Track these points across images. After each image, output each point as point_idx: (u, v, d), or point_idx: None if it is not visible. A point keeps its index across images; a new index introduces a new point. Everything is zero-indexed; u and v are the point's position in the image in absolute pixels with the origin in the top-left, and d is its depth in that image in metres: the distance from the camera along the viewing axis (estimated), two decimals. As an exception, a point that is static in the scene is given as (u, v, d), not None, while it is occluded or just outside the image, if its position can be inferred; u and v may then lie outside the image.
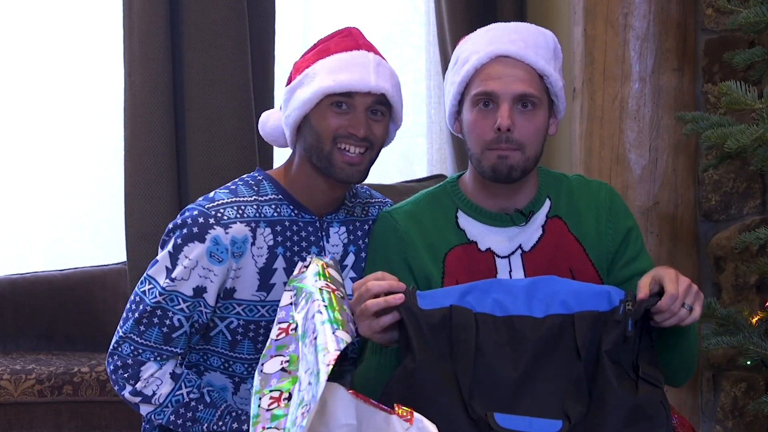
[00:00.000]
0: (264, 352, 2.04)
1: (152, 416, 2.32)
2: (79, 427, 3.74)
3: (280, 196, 2.33)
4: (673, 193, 3.30)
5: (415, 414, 1.92)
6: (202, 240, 2.25)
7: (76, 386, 3.73)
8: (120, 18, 4.22)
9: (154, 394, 2.29)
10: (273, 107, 4.07)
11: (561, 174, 2.37)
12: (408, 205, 2.35)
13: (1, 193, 4.46)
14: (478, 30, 2.30)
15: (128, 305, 2.32)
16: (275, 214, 2.31)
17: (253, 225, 2.28)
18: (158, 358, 2.30)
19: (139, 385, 2.29)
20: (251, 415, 1.96)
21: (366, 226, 2.41)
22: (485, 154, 2.21)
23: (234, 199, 2.30)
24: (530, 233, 2.29)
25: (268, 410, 1.95)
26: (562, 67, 2.31)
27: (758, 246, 3.09)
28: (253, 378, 2.30)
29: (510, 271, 2.27)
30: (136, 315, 2.29)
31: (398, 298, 2.04)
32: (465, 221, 2.30)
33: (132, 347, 2.29)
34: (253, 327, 2.32)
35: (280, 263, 2.30)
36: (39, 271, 4.29)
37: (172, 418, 2.30)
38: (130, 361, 2.29)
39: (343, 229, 2.38)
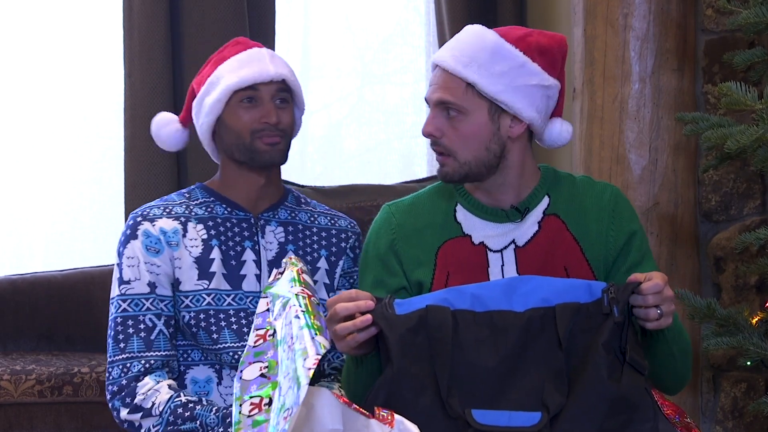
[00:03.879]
0: (242, 359, 2.07)
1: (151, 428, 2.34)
2: (79, 427, 3.74)
3: (212, 198, 2.50)
4: (673, 194, 3.30)
5: (396, 416, 1.93)
6: (135, 237, 2.42)
7: (76, 387, 3.73)
8: (120, 18, 4.22)
9: (153, 405, 2.33)
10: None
11: (567, 174, 2.38)
12: (411, 197, 2.41)
13: (1, 194, 4.46)
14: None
15: (108, 333, 2.41)
16: (206, 213, 2.48)
17: (182, 220, 2.45)
18: (149, 370, 2.35)
19: (137, 400, 2.34)
20: (233, 422, 1.98)
21: (308, 232, 2.52)
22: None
23: (162, 203, 2.49)
24: (525, 229, 2.31)
25: (249, 416, 1.98)
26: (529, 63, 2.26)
27: (758, 246, 3.09)
28: (230, 365, 2.39)
29: (502, 265, 2.29)
30: (112, 333, 2.39)
31: (366, 320, 2.07)
32: (462, 215, 2.34)
33: (120, 367, 2.36)
34: (203, 317, 2.40)
35: (216, 254, 2.44)
36: (39, 271, 4.28)
37: (171, 418, 2.32)
38: (123, 382, 2.35)
39: (281, 229, 2.50)
